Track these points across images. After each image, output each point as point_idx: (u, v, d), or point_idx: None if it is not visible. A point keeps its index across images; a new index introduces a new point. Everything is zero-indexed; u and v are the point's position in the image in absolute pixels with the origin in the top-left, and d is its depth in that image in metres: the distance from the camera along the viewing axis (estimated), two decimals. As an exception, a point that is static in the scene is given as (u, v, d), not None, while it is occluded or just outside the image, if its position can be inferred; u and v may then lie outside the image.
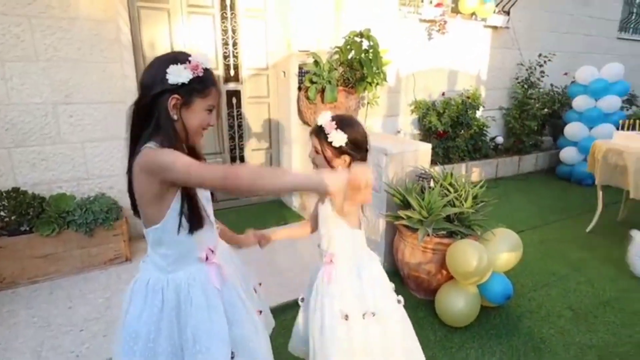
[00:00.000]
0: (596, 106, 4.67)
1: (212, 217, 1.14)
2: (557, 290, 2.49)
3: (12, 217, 2.48)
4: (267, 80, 3.75)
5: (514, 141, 5.27)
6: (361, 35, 3.24)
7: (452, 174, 2.48)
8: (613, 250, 3.04)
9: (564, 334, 2.09)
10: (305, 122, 3.50)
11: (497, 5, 4.88)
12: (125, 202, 2.90)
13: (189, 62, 0.94)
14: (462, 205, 2.22)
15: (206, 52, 3.34)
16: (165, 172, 0.91)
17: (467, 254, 1.98)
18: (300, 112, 3.49)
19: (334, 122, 1.22)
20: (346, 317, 1.26)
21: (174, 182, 0.94)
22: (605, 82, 4.61)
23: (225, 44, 3.49)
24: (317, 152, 1.26)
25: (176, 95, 0.93)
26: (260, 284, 1.42)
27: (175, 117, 0.95)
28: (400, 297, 1.41)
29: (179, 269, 1.05)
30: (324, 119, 1.24)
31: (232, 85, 3.61)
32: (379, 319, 1.30)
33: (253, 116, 3.78)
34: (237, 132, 3.76)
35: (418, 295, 2.39)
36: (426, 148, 2.70)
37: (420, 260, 2.26)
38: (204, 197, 1.10)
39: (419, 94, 4.62)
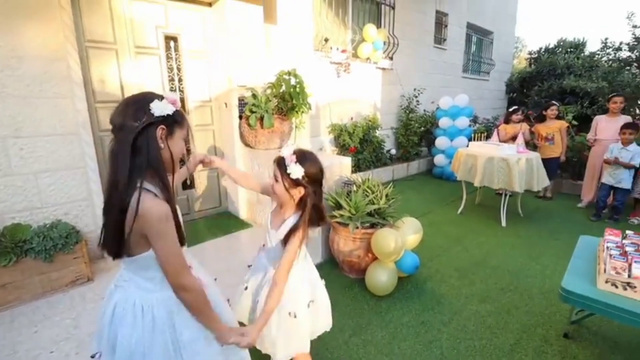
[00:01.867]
0: (454, 124, 5.35)
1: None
2: (446, 258, 2.79)
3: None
4: (210, 111, 3.58)
5: (403, 152, 5.74)
6: (289, 73, 3.29)
7: (369, 179, 2.63)
8: (477, 224, 3.51)
9: (454, 289, 2.35)
10: (247, 145, 3.43)
11: (384, 52, 5.35)
12: (84, 224, 2.57)
13: (165, 98, 0.89)
14: (379, 202, 2.37)
15: (155, 86, 3.11)
16: (154, 246, 0.86)
17: (387, 239, 2.13)
18: (242, 136, 3.41)
19: (294, 156, 1.14)
20: (295, 316, 1.25)
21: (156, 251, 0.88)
22: (458, 108, 5.32)
23: (172, 79, 3.27)
24: (276, 180, 1.19)
25: (162, 126, 0.87)
26: (215, 279, 1.31)
27: (162, 145, 0.88)
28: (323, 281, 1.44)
29: (166, 288, 0.94)
30: (287, 151, 1.16)
31: None
32: (316, 303, 1.34)
33: (200, 141, 3.57)
34: (186, 156, 3.49)
35: (351, 276, 2.46)
36: (347, 161, 2.83)
37: (352, 248, 2.34)
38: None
39: (334, 119, 4.82)
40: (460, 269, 2.62)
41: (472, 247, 3.00)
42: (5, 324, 1.94)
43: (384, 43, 5.20)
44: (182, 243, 0.96)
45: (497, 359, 1.74)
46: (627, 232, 1.67)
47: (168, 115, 0.88)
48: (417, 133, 5.64)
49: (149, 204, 0.82)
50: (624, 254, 1.37)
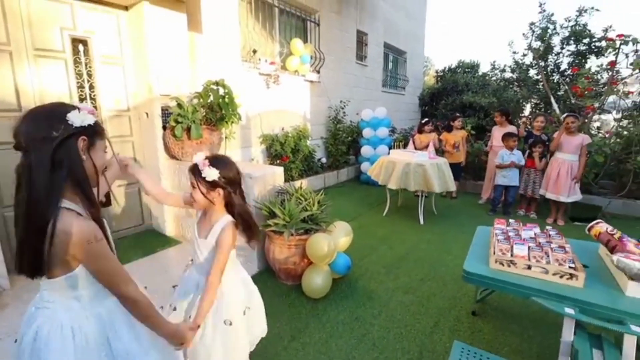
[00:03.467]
0: (375, 134, 5.84)
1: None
2: (374, 257, 3.04)
3: None
4: (129, 121, 3.32)
5: (332, 160, 6.03)
6: (217, 83, 3.26)
7: (301, 187, 2.74)
8: (400, 224, 3.88)
9: (382, 284, 2.58)
10: (173, 157, 3.27)
11: (311, 66, 5.60)
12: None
13: (80, 108, 0.85)
14: (312, 209, 2.49)
15: (61, 93, 2.78)
16: (91, 269, 0.83)
17: (320, 243, 2.24)
18: (166, 147, 3.24)
19: (207, 160, 1.19)
20: (230, 324, 1.27)
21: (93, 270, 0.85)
22: (378, 119, 5.83)
23: (81, 86, 2.96)
24: (193, 187, 1.21)
25: (84, 137, 0.83)
26: (145, 287, 1.29)
27: (84, 157, 0.84)
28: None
29: (98, 304, 0.91)
30: (198, 158, 1.20)
31: None
32: (252, 310, 1.39)
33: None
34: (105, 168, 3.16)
35: (288, 283, 2.51)
36: (280, 170, 2.89)
37: (287, 255, 2.40)
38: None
39: (265, 129, 4.85)
40: (387, 265, 2.88)
41: (396, 244, 3.32)
42: None
43: (311, 57, 5.46)
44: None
45: (420, 341, 1.97)
46: (510, 220, 2.07)
47: (89, 125, 0.84)
48: (345, 142, 5.99)
49: (74, 225, 0.78)
50: (508, 238, 1.71)
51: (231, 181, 1.22)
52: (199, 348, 1.23)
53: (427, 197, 4.02)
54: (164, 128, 3.23)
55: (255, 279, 2.17)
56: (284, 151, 4.79)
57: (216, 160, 1.21)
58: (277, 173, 2.85)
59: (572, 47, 6.28)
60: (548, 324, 2.11)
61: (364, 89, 7.31)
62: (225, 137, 3.84)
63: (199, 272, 1.31)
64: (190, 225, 3.28)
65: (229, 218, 1.24)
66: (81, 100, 2.95)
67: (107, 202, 3.24)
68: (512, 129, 4.59)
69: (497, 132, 4.68)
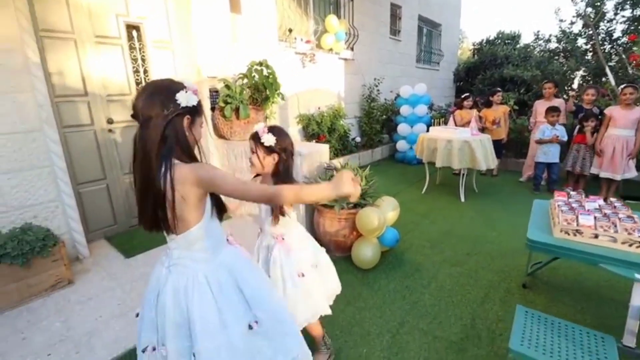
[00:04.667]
0: (414, 112, 5.74)
1: None
2: (418, 232, 3.10)
3: None
4: None
5: (367, 139, 6.01)
6: (260, 64, 3.33)
7: (347, 164, 2.82)
8: (440, 201, 3.90)
9: (429, 257, 2.65)
10: (221, 137, 3.42)
11: (345, 43, 5.54)
12: (55, 226, 2.45)
13: (187, 87, 0.93)
14: (361, 184, 2.56)
15: (120, 79, 2.99)
16: (215, 186, 0.90)
17: (371, 217, 2.32)
18: (215, 128, 3.39)
19: (266, 129, 1.31)
20: (303, 275, 1.40)
21: (218, 193, 0.94)
22: (417, 96, 5.71)
23: (137, 71, 3.15)
24: (252, 151, 1.31)
25: (188, 116, 0.93)
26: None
27: (187, 133, 0.94)
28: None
29: (219, 253, 1.02)
30: (259, 126, 1.32)
31: None
32: (320, 267, 1.49)
33: None
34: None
35: (338, 254, 2.61)
36: (325, 148, 2.97)
37: (337, 228, 2.50)
38: None
39: (301, 109, 4.90)
40: (431, 240, 2.94)
41: (438, 220, 3.36)
42: (-14, 335, 1.83)
43: (345, 34, 5.39)
44: (225, 211, 1.05)
45: (472, 309, 2.05)
46: (572, 193, 2.05)
47: (192, 105, 0.93)
48: (379, 121, 5.94)
49: (183, 167, 0.90)
50: (572, 209, 1.72)
51: (285, 149, 1.32)
52: (282, 297, 1.37)
53: (466, 174, 3.98)
54: (212, 109, 3.36)
55: None
56: (320, 130, 4.85)
57: (273, 129, 1.33)
58: (323, 151, 2.94)
59: (627, 13, 5.76)
60: (601, 297, 2.11)
61: (397, 65, 7.13)
62: (266, 118, 3.98)
63: (268, 237, 1.44)
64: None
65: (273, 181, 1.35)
66: (137, 84, 3.15)
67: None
68: (558, 102, 4.37)
69: (541, 107, 4.46)
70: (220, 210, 1.04)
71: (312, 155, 2.81)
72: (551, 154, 4.07)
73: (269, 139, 1.29)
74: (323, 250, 1.58)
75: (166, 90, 0.92)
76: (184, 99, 0.91)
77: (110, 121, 2.95)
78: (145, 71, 3.20)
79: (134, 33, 3.09)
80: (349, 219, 2.48)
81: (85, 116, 2.82)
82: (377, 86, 6.09)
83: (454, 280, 2.35)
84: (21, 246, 2.01)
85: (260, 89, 3.30)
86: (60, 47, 2.63)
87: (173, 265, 1.01)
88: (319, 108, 5.14)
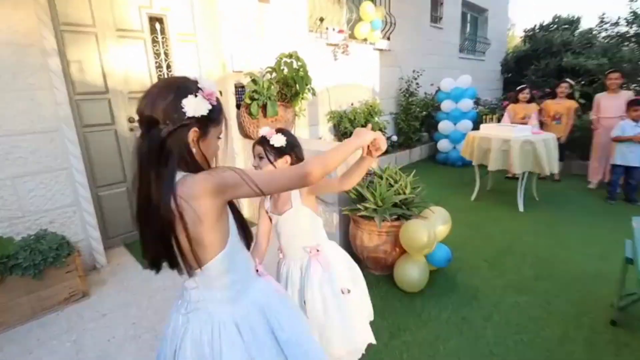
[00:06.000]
0: (457, 107, 5.33)
1: None
2: (471, 248, 2.76)
3: None
4: None
5: (404, 138, 5.71)
6: (290, 56, 3.15)
7: (388, 167, 2.55)
8: (494, 210, 3.51)
9: (487, 280, 2.32)
10: (247, 136, 3.27)
11: (381, 32, 5.24)
12: (72, 233, 2.38)
13: (201, 90, 0.77)
14: (405, 192, 2.30)
15: (142, 74, 2.89)
16: (236, 186, 0.76)
17: (419, 232, 2.06)
18: (241, 127, 3.26)
19: (273, 130, 1.29)
20: (348, 291, 1.31)
21: (241, 197, 0.79)
22: (461, 90, 5.30)
23: (159, 66, 3.05)
24: (261, 157, 1.27)
25: (195, 129, 0.77)
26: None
27: (194, 149, 0.78)
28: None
29: (248, 289, 0.87)
30: (265, 130, 1.30)
31: None
32: (356, 280, 1.44)
33: None
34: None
35: (376, 273, 2.40)
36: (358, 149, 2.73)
37: (378, 243, 2.27)
38: None
39: (332, 105, 4.69)
40: (488, 258, 2.60)
41: (494, 234, 2.99)
42: (-6, 354, 1.76)
43: (382, 22, 5.08)
44: (251, 238, 0.91)
45: (548, 352, 1.71)
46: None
47: (203, 115, 0.77)
48: (418, 118, 5.61)
49: (191, 177, 0.75)
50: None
51: (294, 145, 1.30)
52: (324, 321, 1.26)
53: (525, 179, 3.55)
54: (238, 106, 3.23)
55: None
56: (353, 129, 4.58)
57: (280, 130, 1.31)
58: (357, 152, 2.67)
59: None
60: None
61: (439, 56, 6.71)
62: (296, 115, 3.78)
63: (295, 258, 1.33)
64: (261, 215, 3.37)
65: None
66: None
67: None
68: (627, 94, 3.84)
69: (605, 101, 3.94)
70: (246, 234, 0.89)
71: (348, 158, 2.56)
72: (632, 156, 3.54)
73: (279, 140, 1.26)
74: (356, 265, 1.49)
75: (173, 93, 0.75)
76: (192, 106, 0.75)
77: (131, 120, 2.87)
78: (168, 66, 3.10)
79: (157, 26, 2.99)
80: (390, 233, 2.25)
81: (105, 115, 2.75)
82: (415, 79, 5.76)
83: (522, 311, 2.01)
84: (33, 256, 1.93)
85: (290, 83, 3.12)
86: (80, 42, 2.56)
87: (192, 311, 0.84)
88: (351, 104, 4.92)
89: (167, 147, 0.74)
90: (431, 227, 2.12)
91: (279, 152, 1.26)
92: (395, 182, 2.38)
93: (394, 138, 5.54)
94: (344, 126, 4.60)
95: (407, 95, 5.70)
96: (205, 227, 0.76)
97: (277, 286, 0.98)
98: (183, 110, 0.74)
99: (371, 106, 4.94)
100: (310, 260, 1.31)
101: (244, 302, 0.86)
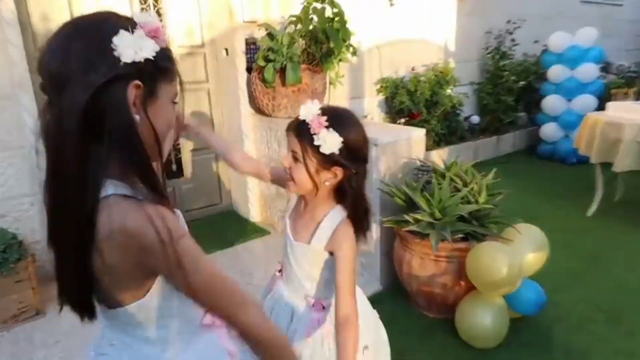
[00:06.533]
0: (573, 76, 4.97)
1: None
2: (581, 290, 2.57)
3: None
4: (204, 61, 3.50)
5: (490, 119, 5.48)
6: (322, 0, 3.09)
7: (456, 163, 2.49)
8: (623, 233, 3.25)
9: (603, 341, 2.13)
10: (260, 111, 3.33)
11: (462, -35, 5.02)
12: (28, 230, 2.52)
13: (139, 25, 0.69)
14: (478, 200, 2.19)
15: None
16: (174, 282, 0.74)
17: (496, 260, 1.95)
18: (252, 98, 3.31)
19: (324, 118, 1.06)
20: (366, 348, 1.27)
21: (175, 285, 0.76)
22: (580, 49, 4.92)
23: (146, 11, 3.14)
24: (296, 159, 1.11)
25: (137, 82, 0.68)
26: None
27: (137, 117, 0.70)
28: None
29: (182, 349, 0.85)
30: (310, 111, 1.07)
31: None
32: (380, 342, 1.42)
33: (189, 107, 3.48)
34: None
35: (430, 314, 2.36)
36: (420, 134, 2.67)
37: (433, 272, 2.21)
38: None
39: (385, 70, 4.61)
40: (609, 308, 2.40)
41: (620, 270, 2.78)
42: None
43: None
44: None
45: None
46: None
47: (147, 61, 0.68)
48: (513, 90, 5.37)
49: (130, 218, 0.67)
50: None
51: (356, 154, 1.12)
52: None
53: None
54: (249, 70, 3.27)
55: (377, 301, 2.18)
56: (413, 104, 4.52)
57: (338, 118, 1.09)
58: (414, 138, 2.66)
59: None
60: None
61: (548, 0, 6.30)
62: (330, 84, 3.75)
63: (292, 291, 1.31)
64: (279, 211, 3.40)
65: (342, 212, 1.19)
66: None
67: (178, 171, 3.51)
68: None
69: None
70: None
71: (396, 145, 2.54)
72: None
73: (330, 141, 1.05)
74: (382, 327, 1.46)
75: (95, 31, 0.68)
76: (129, 46, 0.66)
77: None
78: (158, 13, 3.19)
79: (145, -41, 3.07)
80: (453, 259, 2.17)
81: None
82: (510, 33, 5.50)
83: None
84: (-27, 261, 2.05)
85: (320, 39, 3.09)
86: (45, -19, 2.69)
87: (104, 354, 0.87)
88: (412, 69, 4.80)
89: (93, 116, 0.65)
90: (515, 255, 2.01)
91: (327, 160, 1.10)
92: (465, 184, 2.30)
93: (475, 119, 5.35)
94: (399, 100, 4.53)
95: (496, 57, 5.46)
96: (113, 278, 0.73)
97: (230, 346, 0.93)
98: (115, 53, 0.66)
99: (441, 72, 4.81)
100: (303, 315, 1.28)
101: None
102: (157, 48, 0.69)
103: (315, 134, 1.05)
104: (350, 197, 1.16)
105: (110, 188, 0.68)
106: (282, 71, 2.96)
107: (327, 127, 1.04)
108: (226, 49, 3.34)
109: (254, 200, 3.56)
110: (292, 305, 1.29)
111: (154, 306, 0.78)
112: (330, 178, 1.12)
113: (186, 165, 3.57)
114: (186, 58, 3.38)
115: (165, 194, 0.75)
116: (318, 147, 1.05)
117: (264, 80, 3.00)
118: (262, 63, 2.98)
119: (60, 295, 0.75)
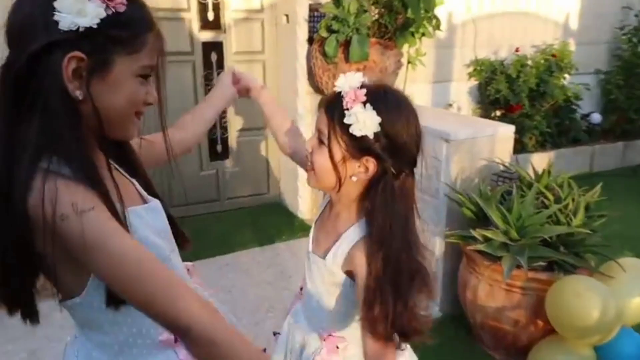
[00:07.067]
0: None
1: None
2: None
3: None
4: (261, 28, 3.60)
5: (616, 120, 5.20)
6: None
7: (549, 172, 2.41)
8: None
9: None
10: (319, 90, 3.38)
11: None
12: None
13: None
14: (570, 221, 2.12)
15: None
16: (97, 273, 0.74)
17: (587, 300, 1.89)
18: (312, 75, 3.35)
19: (363, 91, 0.97)
20: None
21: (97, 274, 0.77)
22: None
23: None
24: (321, 141, 1.04)
25: (77, 53, 0.70)
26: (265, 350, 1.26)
27: (78, 94, 0.72)
28: None
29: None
30: (348, 82, 0.99)
31: (209, 35, 3.47)
32: None
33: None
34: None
35: (497, 356, 2.35)
36: (506, 132, 2.63)
37: (504, 304, 2.18)
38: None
39: (480, 49, 4.49)
40: None
41: None
42: None
43: None
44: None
45: None
46: None
47: (93, 29, 0.70)
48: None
49: (34, 190, 0.70)
50: None
51: (398, 147, 1.01)
52: None
53: None
54: (310, 42, 3.32)
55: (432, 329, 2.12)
56: (513, 94, 4.38)
57: (382, 95, 1.00)
58: (501, 136, 2.61)
59: None
60: None
61: None
62: (409, 62, 3.75)
63: (308, 317, 1.28)
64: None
65: (363, 229, 1.08)
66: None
67: (223, 153, 3.64)
68: None
69: None
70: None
71: (474, 143, 2.50)
72: None
73: (363, 119, 0.96)
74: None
75: None
76: (68, 11, 0.69)
77: None
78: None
79: None
80: (530, 292, 2.13)
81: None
82: None
83: None
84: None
85: (396, 7, 3.06)
86: None
87: (72, 344, 0.96)
88: (516, 50, 4.64)
89: (25, 86, 0.70)
90: (615, 297, 1.92)
91: (358, 146, 1.02)
92: (557, 200, 2.23)
93: (595, 118, 5.09)
94: (495, 88, 4.41)
95: (634, 40, 5.12)
96: (46, 261, 0.75)
97: None
98: (55, 18, 0.68)
99: (554, 56, 4.63)
100: (318, 354, 1.23)
101: None
102: (103, 14, 0.69)
103: (347, 109, 0.98)
104: (379, 209, 1.03)
105: (44, 163, 0.71)
106: (347, 44, 2.97)
107: (364, 102, 0.97)
108: (287, 15, 3.42)
109: (304, 193, 3.62)
110: (304, 337, 1.27)
111: (95, 307, 0.81)
112: (358, 172, 1.02)
113: (232, 147, 3.71)
114: (241, 24, 3.52)
115: (98, 179, 0.76)
116: (349, 126, 0.98)
117: (324, 55, 3.02)
118: (324, 34, 3.01)
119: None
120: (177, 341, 0.93)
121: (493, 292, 2.19)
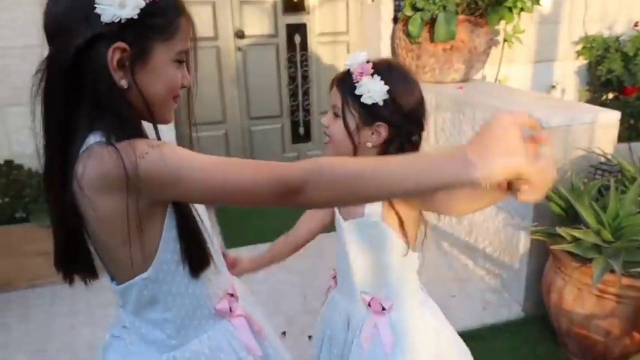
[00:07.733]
0: None
1: (215, 242, 1.01)
2: None
3: (4, 200, 2.61)
4: (346, 8, 3.60)
5: None
6: None
7: None
8: None
9: None
10: None
11: None
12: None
13: None
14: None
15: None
16: (164, 187, 0.75)
17: None
18: (395, 56, 3.31)
19: (370, 65, 1.12)
20: None
21: (181, 199, 0.82)
22: None
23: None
24: (336, 114, 1.18)
25: (120, 44, 0.73)
26: (284, 334, 1.46)
27: (124, 83, 0.76)
28: None
29: (190, 337, 0.93)
30: (356, 59, 1.15)
31: (292, 17, 3.51)
32: None
33: (325, 62, 3.69)
34: (300, 86, 3.70)
35: None
36: (610, 118, 2.41)
37: (593, 311, 2.05)
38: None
39: (591, 25, 4.21)
40: None
41: None
42: (44, 305, 2.40)
43: None
44: (205, 263, 0.92)
45: None
46: None
47: (132, 19, 0.73)
48: None
49: (100, 157, 0.74)
50: None
51: (406, 111, 1.16)
52: None
53: None
54: (395, 20, 3.30)
55: (513, 329, 2.13)
56: (629, 74, 4.09)
57: (386, 66, 1.16)
58: (602, 123, 2.41)
59: None
60: None
61: None
62: (505, 40, 3.65)
63: (346, 294, 1.35)
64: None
65: None
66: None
67: (306, 135, 3.67)
68: None
69: None
70: (192, 258, 0.90)
71: (570, 131, 2.35)
72: None
73: (372, 88, 1.10)
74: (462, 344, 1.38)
75: None
76: (110, 4, 0.72)
77: (240, 34, 3.27)
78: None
79: None
80: (625, 300, 1.98)
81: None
82: None
83: None
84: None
85: None
86: None
87: (117, 337, 0.98)
88: (635, 25, 4.31)
89: (76, 78, 0.74)
90: None
91: (369, 112, 1.15)
92: None
93: None
94: (607, 68, 4.13)
95: None
96: (112, 238, 0.79)
97: (249, 339, 0.99)
98: (96, 11, 0.72)
99: None
100: (365, 320, 1.26)
101: (173, 354, 0.91)
102: (142, 4, 0.73)
103: (357, 82, 1.12)
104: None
105: (91, 139, 0.75)
106: (432, 23, 2.92)
107: (372, 74, 1.11)
108: (371, -6, 3.42)
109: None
110: (347, 312, 1.32)
111: (159, 282, 0.86)
112: (372, 138, 1.15)
113: (314, 129, 3.76)
114: (327, 5, 3.53)
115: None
116: (360, 97, 1.12)
117: (408, 34, 2.98)
118: (408, 12, 2.96)
119: (56, 259, 0.88)
120: (232, 311, 1.00)
121: (582, 296, 2.06)
